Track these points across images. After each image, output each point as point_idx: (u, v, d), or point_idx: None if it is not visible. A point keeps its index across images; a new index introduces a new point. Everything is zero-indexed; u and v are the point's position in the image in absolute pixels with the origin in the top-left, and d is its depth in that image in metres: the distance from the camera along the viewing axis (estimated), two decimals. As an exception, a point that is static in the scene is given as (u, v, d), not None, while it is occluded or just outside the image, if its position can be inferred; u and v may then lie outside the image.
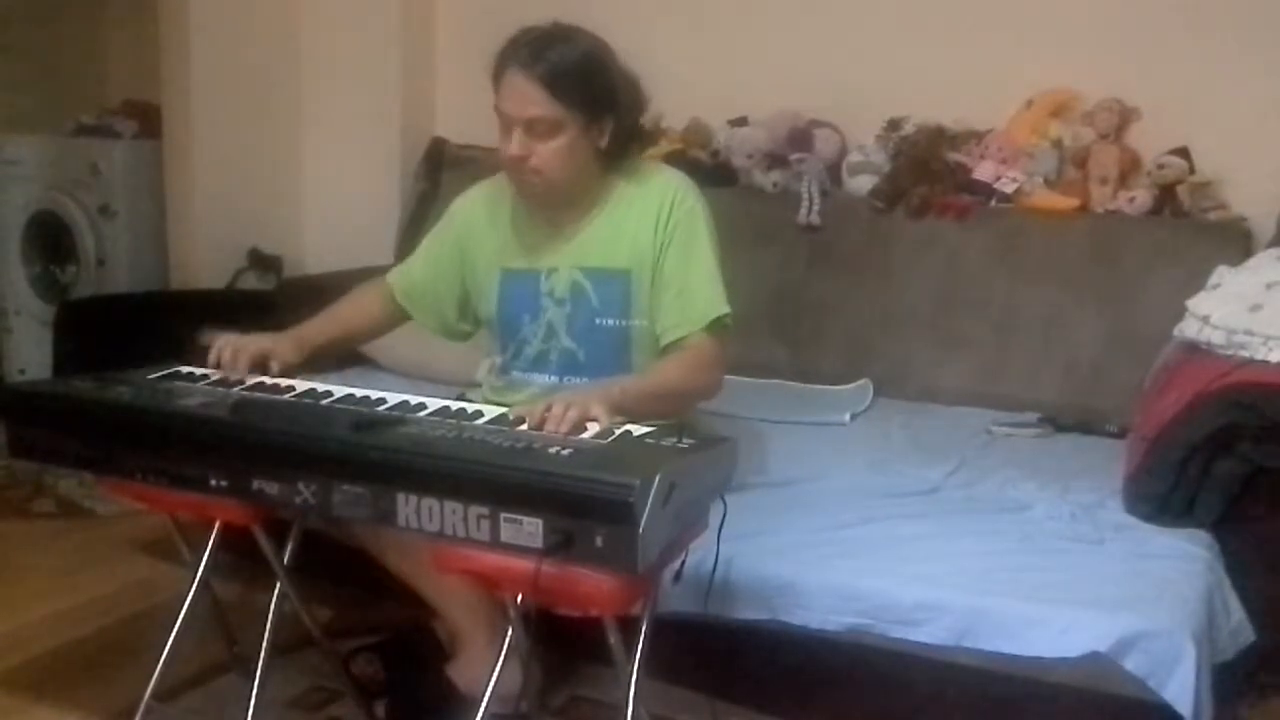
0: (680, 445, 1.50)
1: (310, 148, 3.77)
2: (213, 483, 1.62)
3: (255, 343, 1.91)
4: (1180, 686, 1.61)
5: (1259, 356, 2.07)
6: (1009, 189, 2.91)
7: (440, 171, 3.56)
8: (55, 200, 3.85)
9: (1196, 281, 2.35)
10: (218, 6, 3.45)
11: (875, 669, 1.84)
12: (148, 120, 3.83)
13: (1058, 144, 2.93)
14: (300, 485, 1.54)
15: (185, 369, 1.91)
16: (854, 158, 3.12)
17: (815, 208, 3.04)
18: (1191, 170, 2.81)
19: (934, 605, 1.75)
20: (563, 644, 1.87)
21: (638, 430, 1.59)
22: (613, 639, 1.57)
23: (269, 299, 3.19)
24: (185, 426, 1.66)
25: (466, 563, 1.51)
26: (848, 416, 2.71)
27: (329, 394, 1.77)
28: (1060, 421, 2.62)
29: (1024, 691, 1.76)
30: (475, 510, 1.42)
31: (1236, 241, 2.68)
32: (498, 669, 1.66)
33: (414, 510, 1.46)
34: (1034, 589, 1.76)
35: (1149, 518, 2.01)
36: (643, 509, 1.32)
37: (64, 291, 3.82)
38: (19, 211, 3.96)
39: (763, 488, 2.16)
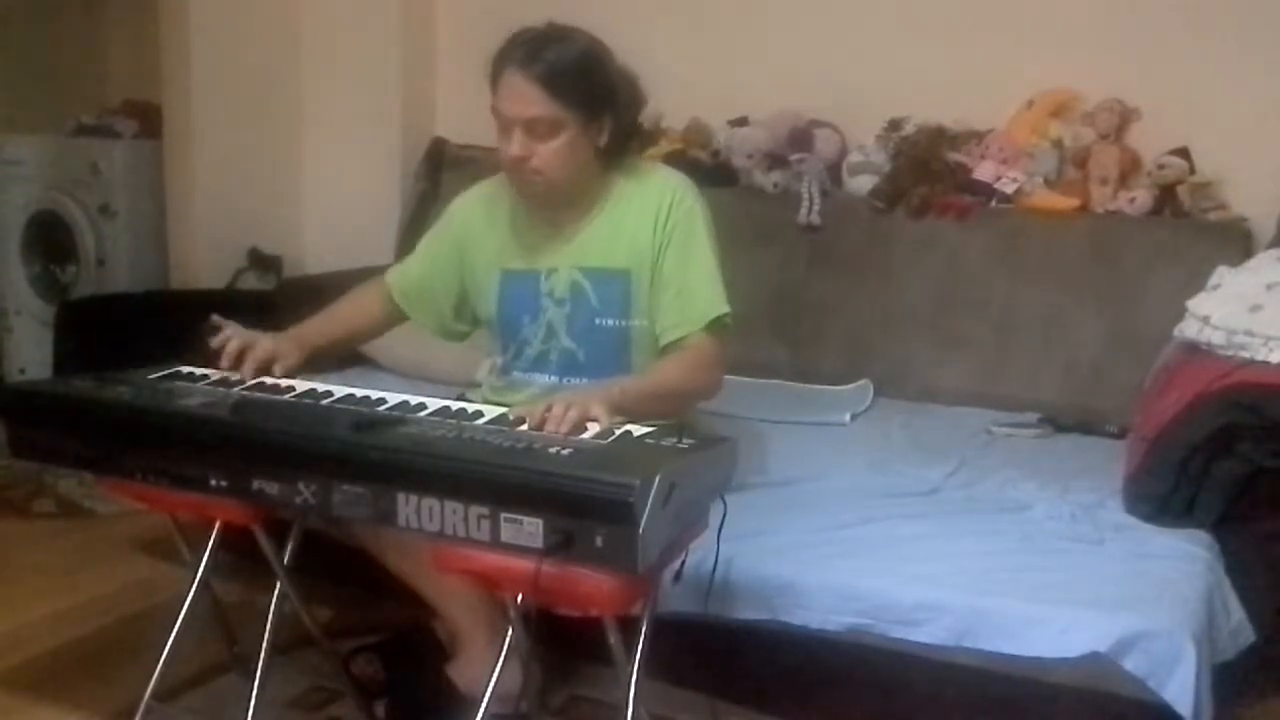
0: (680, 445, 1.50)
1: (310, 147, 3.77)
2: (213, 483, 1.62)
3: (260, 345, 1.91)
4: (1180, 687, 1.61)
5: (1259, 357, 2.07)
6: (1009, 189, 2.91)
7: (440, 171, 3.56)
8: (55, 200, 3.85)
9: (1197, 282, 2.35)
10: (218, 6, 3.45)
11: (875, 669, 1.84)
12: (148, 120, 3.83)
13: (1058, 144, 2.93)
14: (300, 485, 1.54)
15: (185, 369, 1.91)
16: (854, 158, 3.12)
17: (815, 208, 3.04)
18: (1192, 170, 2.81)
19: (934, 605, 1.75)
20: (563, 644, 1.87)
21: (638, 430, 1.59)
22: (613, 639, 1.57)
23: (269, 299, 3.19)
24: (185, 426, 1.66)
25: (467, 563, 1.51)
26: (848, 416, 2.71)
27: (329, 394, 1.77)
28: (1060, 422, 2.62)
29: (1024, 691, 1.76)
30: (475, 510, 1.42)
31: (1237, 242, 2.68)
32: (498, 669, 1.66)
33: (414, 510, 1.46)
34: (1034, 589, 1.76)
35: (1149, 518, 2.01)
36: (643, 509, 1.32)
37: (64, 291, 3.82)
38: (19, 211, 3.96)
39: (763, 488, 2.16)
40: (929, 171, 2.98)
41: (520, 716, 1.85)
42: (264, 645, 1.86)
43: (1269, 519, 1.94)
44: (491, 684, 1.65)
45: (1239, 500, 1.96)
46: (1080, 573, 1.82)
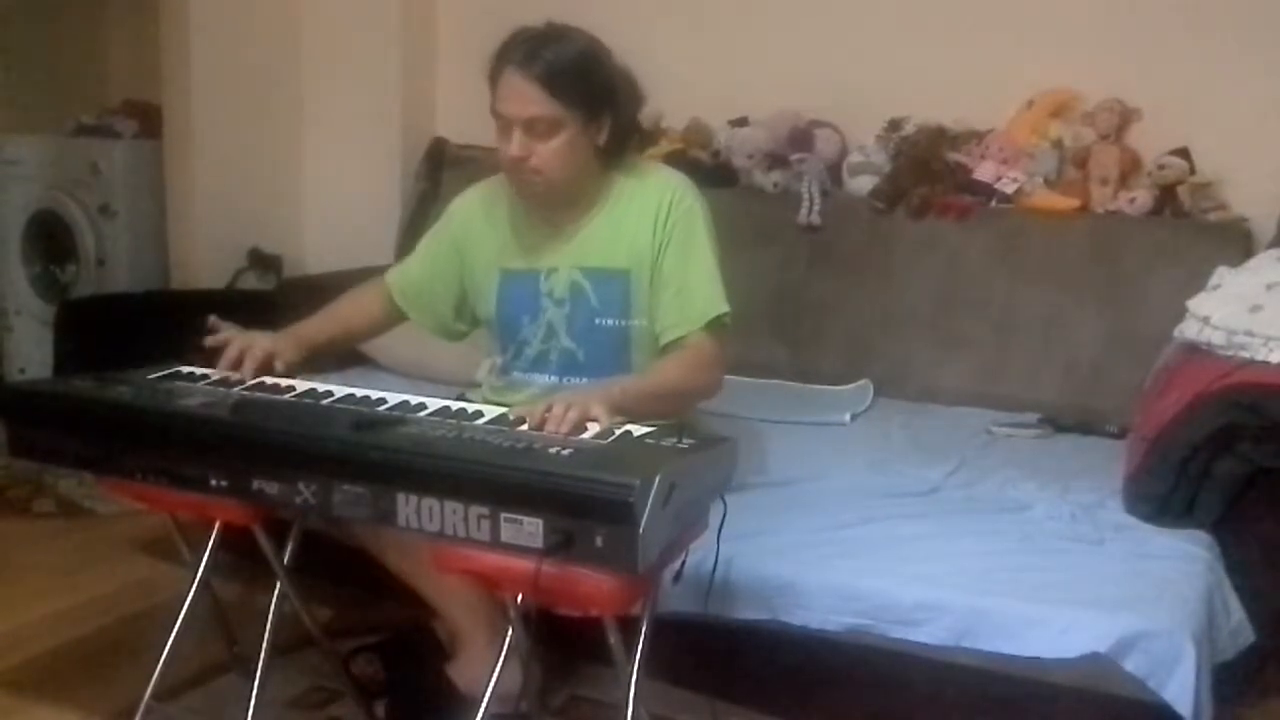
0: (680, 445, 1.50)
1: (311, 147, 3.77)
2: (213, 482, 1.62)
3: (260, 345, 1.91)
4: (1180, 687, 1.61)
5: (1259, 357, 2.07)
6: (1009, 189, 2.91)
7: (441, 171, 3.56)
8: (55, 200, 3.85)
9: (1197, 282, 2.35)
10: (218, 6, 3.45)
11: (875, 669, 1.84)
12: (148, 120, 3.83)
13: (1058, 144, 2.93)
14: (300, 485, 1.54)
15: (185, 369, 1.91)
16: (854, 158, 3.12)
17: (816, 208, 3.04)
18: (1192, 171, 2.81)
19: (934, 605, 1.75)
20: (563, 644, 1.87)
21: (638, 430, 1.59)
22: (613, 639, 1.57)
23: (269, 299, 3.19)
24: (185, 426, 1.66)
25: (467, 563, 1.51)
26: (848, 416, 2.71)
27: (329, 394, 1.77)
28: (1060, 422, 2.62)
29: (1024, 691, 1.76)
30: (475, 510, 1.41)
31: (1237, 242, 2.68)
32: (498, 669, 1.66)
33: (414, 510, 1.46)
34: (1034, 589, 1.76)
35: (1149, 518, 2.01)
36: (643, 509, 1.32)
37: (64, 291, 3.82)
38: (19, 211, 3.96)
39: (763, 488, 2.16)
40: (929, 172, 2.98)
41: (520, 716, 1.85)
42: (264, 645, 1.86)
43: (1269, 519, 1.94)
44: (491, 684, 1.65)
45: (1239, 500, 1.96)
46: (1080, 573, 1.82)
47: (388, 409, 1.70)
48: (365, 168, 3.71)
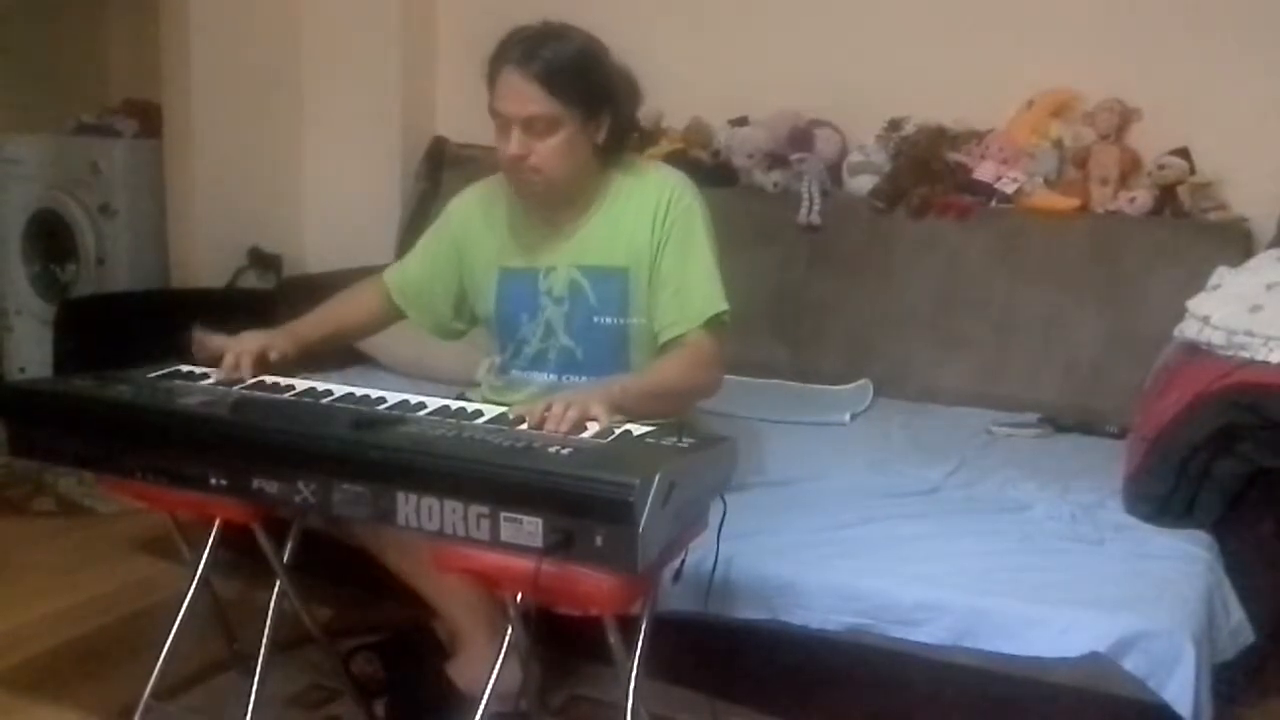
0: (680, 445, 1.50)
1: (311, 147, 3.77)
2: (213, 481, 1.62)
3: (253, 343, 1.91)
4: (1180, 687, 1.61)
5: (1259, 357, 2.07)
6: (1009, 189, 2.91)
7: (441, 171, 3.56)
8: (56, 199, 3.85)
9: (1197, 282, 2.35)
10: (218, 5, 3.45)
11: (875, 669, 1.84)
12: (148, 119, 3.83)
13: (1058, 144, 2.93)
14: (300, 484, 1.54)
15: (185, 368, 1.91)
16: (854, 158, 3.12)
17: (816, 208, 3.04)
18: (1192, 171, 2.81)
19: (934, 605, 1.75)
20: (562, 643, 1.87)
21: (637, 430, 1.59)
22: (613, 638, 1.57)
23: (269, 298, 3.19)
24: (185, 425, 1.66)
25: (466, 562, 1.51)
26: (848, 416, 2.71)
27: (329, 393, 1.77)
28: (1060, 422, 2.62)
29: (1024, 691, 1.76)
30: (475, 509, 1.41)
31: (1237, 242, 2.68)
32: (497, 668, 1.66)
33: (414, 509, 1.46)
34: (1034, 589, 1.76)
35: (1149, 518, 2.01)
36: (642, 508, 1.32)
37: (64, 290, 3.82)
38: (19, 210, 3.96)
39: (762, 487, 2.16)
40: (929, 171, 2.98)
41: (520, 715, 1.85)
42: (263, 644, 1.86)
43: (1269, 519, 1.94)
44: (491, 683, 1.65)
45: (1239, 500, 1.96)
46: (1080, 573, 1.82)
47: (387, 408, 1.70)
48: (365, 167, 3.71)
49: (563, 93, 1.88)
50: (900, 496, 2.16)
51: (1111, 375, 2.67)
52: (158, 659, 1.87)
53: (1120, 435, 2.45)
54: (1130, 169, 2.87)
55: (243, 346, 1.90)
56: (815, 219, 3.04)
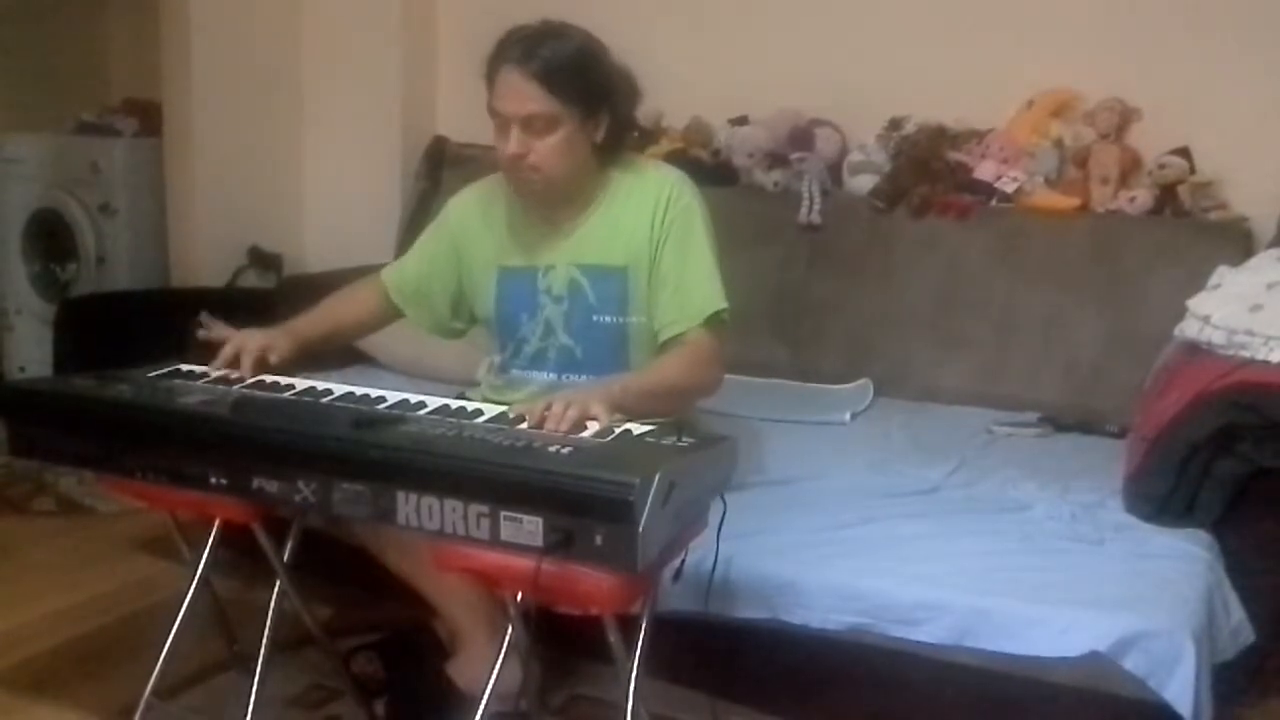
0: (680, 444, 1.50)
1: (311, 146, 3.77)
2: (213, 481, 1.62)
3: (254, 341, 1.92)
4: (1180, 686, 1.61)
5: (1259, 357, 2.07)
6: (1010, 189, 2.91)
7: (441, 170, 3.56)
8: (56, 198, 3.85)
9: (1197, 281, 2.35)
10: (218, 5, 3.45)
11: (875, 669, 1.84)
12: (148, 118, 3.83)
13: (1058, 144, 2.93)
14: (300, 483, 1.54)
15: (185, 367, 1.91)
16: (855, 157, 3.12)
17: (816, 207, 3.04)
18: (1192, 170, 2.81)
19: (934, 605, 1.75)
20: (563, 642, 1.87)
21: (638, 429, 1.59)
22: (613, 638, 1.57)
23: (269, 297, 3.19)
24: (185, 425, 1.66)
25: (466, 561, 1.51)
26: (848, 416, 2.71)
27: (329, 392, 1.77)
28: (1060, 421, 2.62)
29: (1024, 691, 1.76)
30: (475, 509, 1.41)
31: (1237, 241, 2.67)
32: (497, 667, 1.66)
33: (414, 508, 1.46)
34: (1034, 589, 1.76)
35: (1149, 518, 2.01)
36: (642, 508, 1.32)
37: (64, 289, 3.82)
38: (20, 209, 3.96)
39: (763, 487, 2.16)
40: (929, 171, 2.98)
41: (520, 715, 1.85)
42: (264, 643, 1.86)
43: (1269, 519, 1.94)
44: (491, 682, 1.65)
45: (1239, 500, 1.96)
46: (1080, 573, 1.82)
47: (387, 407, 1.70)
48: (365, 166, 3.71)
49: (561, 91, 1.88)
50: (900, 496, 2.16)
51: (1112, 375, 2.67)
52: (158, 658, 1.86)
53: (1120, 435, 2.45)
54: (1130, 168, 2.87)
55: (244, 342, 1.91)
56: (815, 218, 3.04)
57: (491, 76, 1.91)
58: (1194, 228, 2.76)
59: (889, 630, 1.77)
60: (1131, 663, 1.63)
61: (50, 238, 3.88)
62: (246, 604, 2.14)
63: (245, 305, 3.14)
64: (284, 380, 1.85)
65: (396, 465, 1.47)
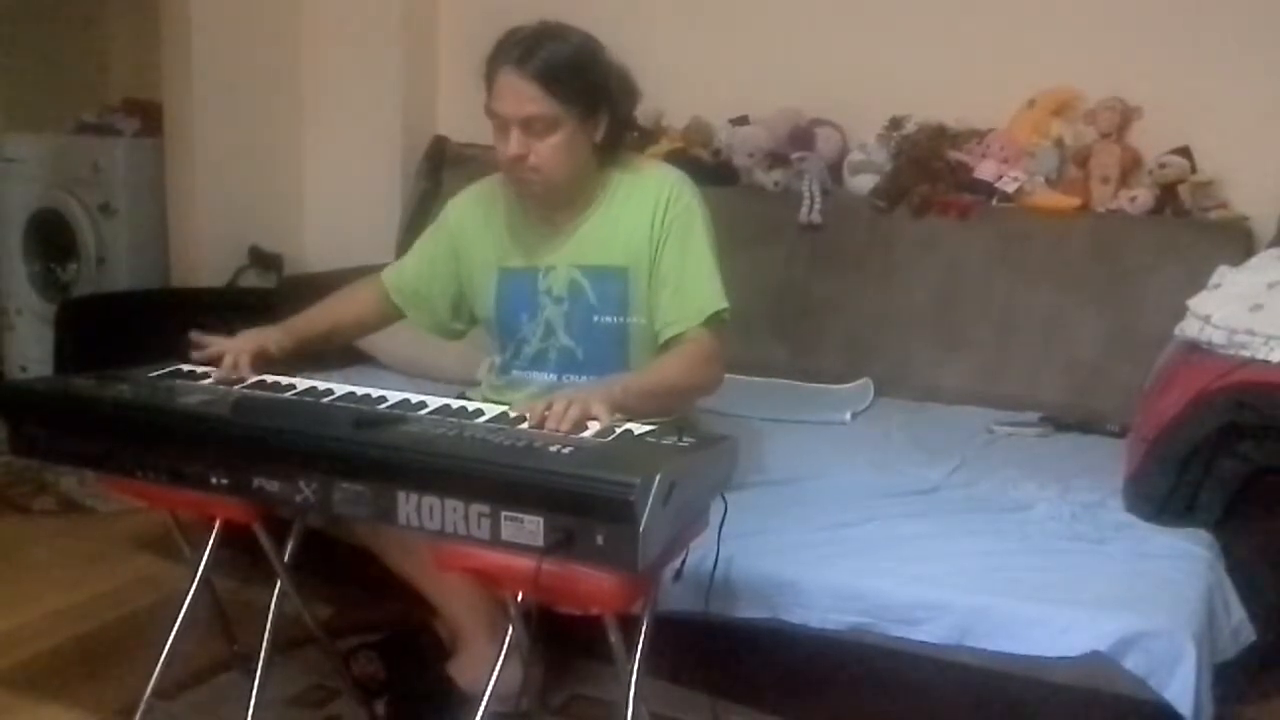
0: (680, 444, 1.50)
1: (311, 146, 3.77)
2: (213, 480, 1.62)
3: (250, 341, 1.92)
4: (1181, 686, 1.61)
5: (1260, 356, 2.07)
6: (1010, 188, 2.91)
7: (441, 170, 3.56)
8: (56, 198, 3.85)
9: (1198, 281, 2.35)
10: (219, 5, 3.45)
11: (876, 668, 1.84)
12: (149, 118, 3.83)
13: (1059, 143, 2.93)
14: (301, 483, 1.54)
15: (186, 367, 1.91)
16: (855, 156, 3.12)
17: (816, 207, 3.04)
18: (1193, 169, 2.81)
19: (934, 605, 1.75)
20: (563, 642, 1.88)
21: (638, 429, 1.59)
22: (613, 637, 1.57)
23: (270, 297, 3.19)
24: (186, 424, 1.66)
25: (467, 561, 1.51)
26: (848, 415, 2.70)
27: (329, 392, 1.77)
28: (1061, 421, 2.62)
29: (1024, 691, 1.76)
30: (476, 508, 1.41)
31: (1238, 241, 2.67)
32: (498, 667, 1.66)
33: (414, 508, 1.46)
34: (1034, 589, 1.76)
35: (1149, 517, 2.00)
36: (643, 508, 1.32)
37: (65, 289, 3.83)
38: (20, 209, 3.96)
39: (763, 486, 2.16)
40: (930, 170, 2.98)
41: (521, 715, 1.86)
42: (264, 643, 1.86)
43: (1269, 519, 1.94)
44: (492, 682, 1.65)
45: (1239, 500, 1.96)
46: (1080, 572, 1.82)
47: (388, 407, 1.70)
48: (366, 166, 3.71)
49: (561, 92, 1.88)
50: (901, 496, 2.16)
51: (1112, 375, 2.67)
52: (159, 658, 1.86)
53: (1121, 434, 2.45)
54: (1131, 168, 2.87)
55: (240, 346, 1.91)
56: (816, 218, 3.04)
57: (490, 78, 1.91)
58: (1194, 227, 2.76)
59: (889, 630, 1.77)
60: (1132, 662, 1.63)
61: (51, 238, 3.88)
62: (246, 604, 2.14)
63: (246, 305, 3.15)
64: (284, 380, 1.86)
65: (397, 465, 1.47)
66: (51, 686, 2.19)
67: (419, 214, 3.41)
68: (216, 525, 1.85)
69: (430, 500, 1.44)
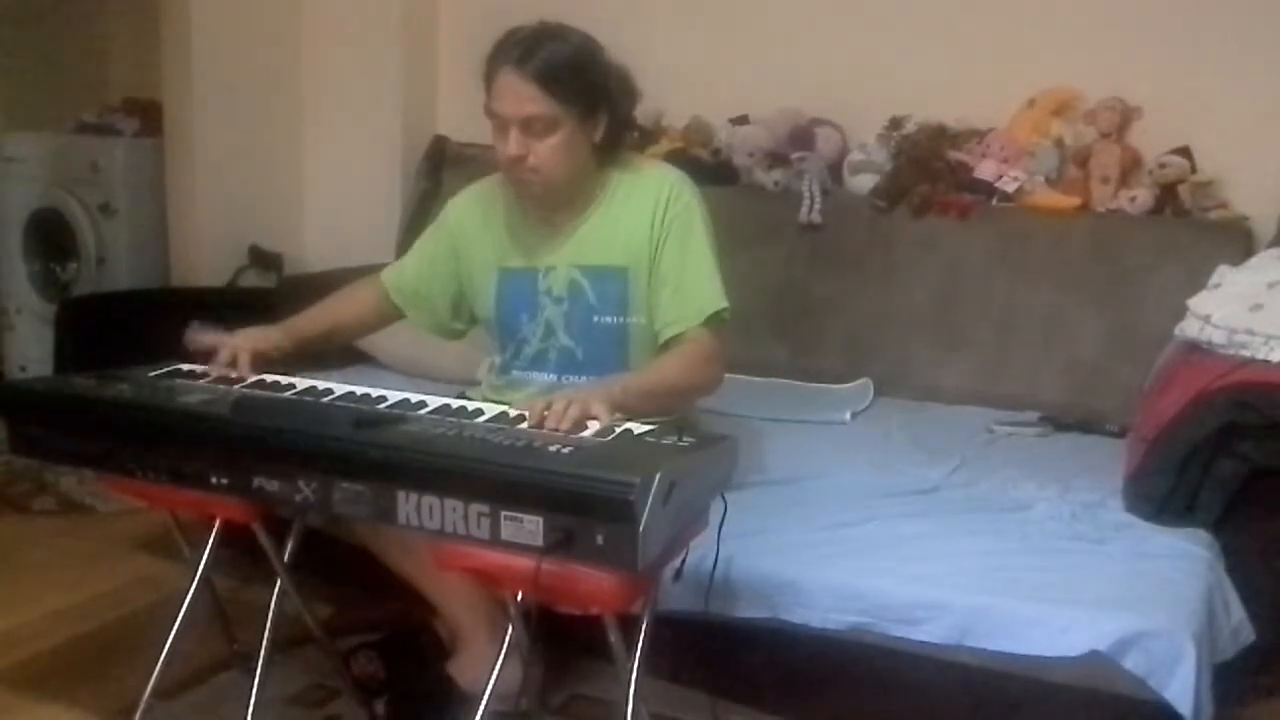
0: (680, 444, 1.50)
1: (311, 145, 3.77)
2: (213, 480, 1.62)
3: (250, 340, 1.92)
4: (1181, 686, 1.61)
5: (1260, 356, 2.07)
6: (1010, 188, 2.91)
7: (441, 170, 3.56)
8: (56, 197, 3.85)
9: (1197, 281, 2.35)
10: (219, 5, 3.45)
11: (875, 668, 1.84)
12: (149, 118, 3.83)
13: (1059, 143, 2.93)
14: (301, 483, 1.54)
15: (186, 366, 1.91)
16: (855, 156, 3.12)
17: (816, 206, 3.04)
18: (1193, 169, 2.81)
19: (934, 604, 1.75)
20: (563, 642, 1.87)
21: (638, 428, 1.59)
22: (613, 637, 1.57)
23: (270, 297, 3.19)
24: (186, 424, 1.66)
25: (467, 560, 1.51)
26: (848, 415, 2.71)
27: (329, 392, 1.77)
28: (1061, 421, 2.62)
29: (1024, 691, 1.76)
30: (476, 508, 1.41)
31: (1237, 241, 2.68)
32: (498, 667, 1.66)
33: (414, 508, 1.46)
34: (1034, 589, 1.76)
35: (1149, 517, 2.01)
36: (643, 507, 1.32)
37: (65, 289, 3.83)
38: (20, 209, 3.96)
39: (763, 486, 2.16)
40: (930, 170, 2.98)
41: (520, 714, 1.86)
42: (264, 643, 1.85)
43: (1269, 519, 1.94)
44: (492, 682, 1.65)
45: (1239, 500, 1.96)
46: (1080, 572, 1.82)
47: (388, 407, 1.70)
48: (366, 165, 3.71)
49: (560, 92, 1.88)
50: (901, 495, 2.16)
51: (1112, 374, 2.67)
52: (158, 658, 1.86)
53: (1120, 434, 2.45)
54: (1131, 167, 2.87)
55: (239, 342, 1.91)
56: (816, 218, 3.04)
57: (490, 78, 1.91)
58: (1194, 227, 2.76)
59: (889, 630, 1.77)
60: (1132, 662, 1.63)
61: (51, 237, 3.88)
62: (246, 604, 2.14)
63: (246, 305, 3.15)
64: (284, 380, 1.86)
65: (397, 465, 1.47)
66: (51, 686, 2.19)
67: (419, 214, 3.41)
68: (216, 525, 1.85)
69: (430, 500, 1.44)
